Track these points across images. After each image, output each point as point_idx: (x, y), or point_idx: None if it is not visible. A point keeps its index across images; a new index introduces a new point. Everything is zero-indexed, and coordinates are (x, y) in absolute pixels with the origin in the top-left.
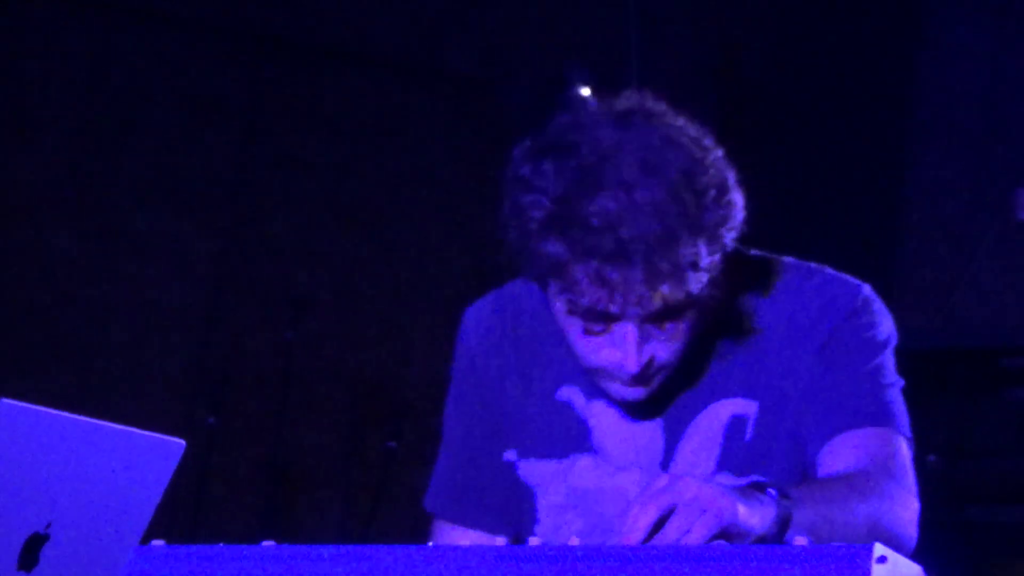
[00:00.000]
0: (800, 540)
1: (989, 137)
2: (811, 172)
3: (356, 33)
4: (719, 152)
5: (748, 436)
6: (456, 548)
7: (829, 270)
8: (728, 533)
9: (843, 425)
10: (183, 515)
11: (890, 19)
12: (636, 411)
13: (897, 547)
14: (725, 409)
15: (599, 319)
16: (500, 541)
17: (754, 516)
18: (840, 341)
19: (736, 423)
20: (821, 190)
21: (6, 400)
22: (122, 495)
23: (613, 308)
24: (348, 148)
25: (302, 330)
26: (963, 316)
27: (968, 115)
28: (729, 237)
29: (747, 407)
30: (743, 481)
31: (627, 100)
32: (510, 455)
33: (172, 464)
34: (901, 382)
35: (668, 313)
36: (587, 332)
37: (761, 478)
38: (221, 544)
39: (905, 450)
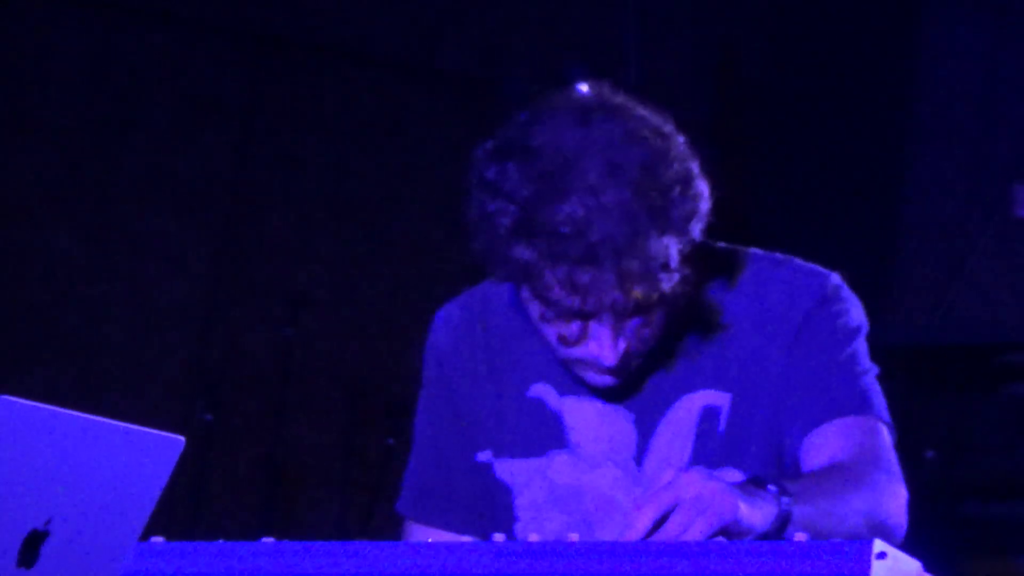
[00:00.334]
0: (800, 536)
1: (987, 134)
2: (809, 170)
3: (355, 32)
4: (681, 141)
5: (721, 428)
6: (453, 544)
7: (797, 260)
8: (729, 531)
9: (824, 415)
10: (182, 512)
11: (888, 18)
12: (609, 405)
13: (890, 536)
14: (697, 401)
15: (573, 318)
16: (497, 536)
17: (755, 514)
18: (813, 330)
19: (708, 415)
20: (819, 188)
21: (5, 397)
22: (122, 492)
23: (586, 308)
24: (347, 147)
25: (300, 328)
26: (960, 313)
27: (966, 113)
28: (697, 229)
29: (719, 399)
30: (719, 473)
31: (586, 93)
32: (484, 456)
33: (172, 461)
34: (876, 369)
35: (641, 310)
36: (560, 339)
37: (735, 470)
38: (220, 541)
39: (887, 436)
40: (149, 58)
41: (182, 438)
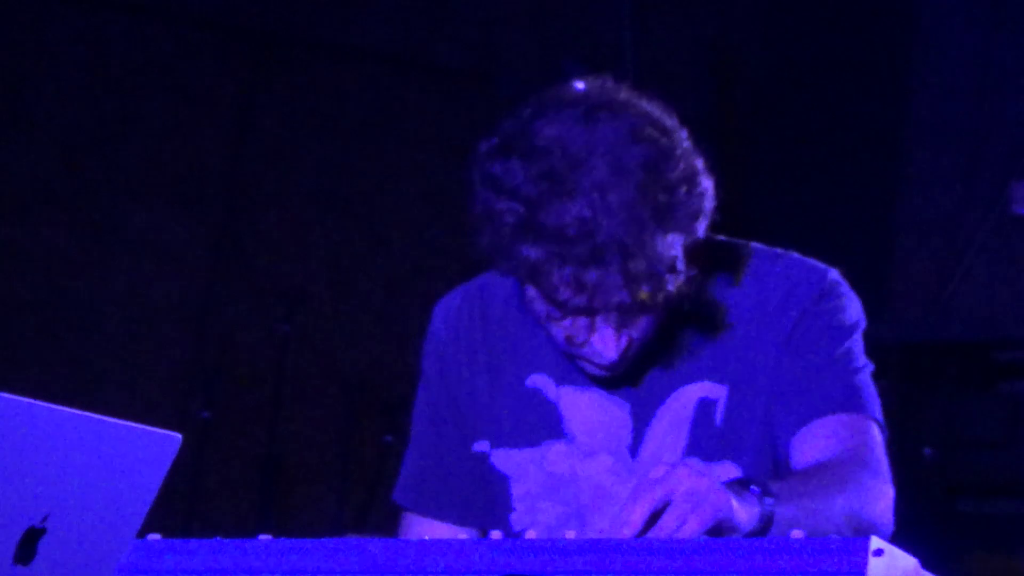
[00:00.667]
0: (797, 533)
1: (983, 131)
2: (805, 166)
3: (349, 27)
4: (684, 137)
5: (718, 421)
6: (450, 541)
7: (795, 255)
8: (720, 527)
9: (814, 412)
10: (178, 509)
11: (884, 14)
12: (606, 396)
13: (875, 535)
14: (693, 393)
15: (579, 315)
16: (465, 534)
17: (743, 512)
18: (808, 326)
19: (704, 407)
20: (815, 184)
21: (2, 394)
22: (119, 489)
23: (593, 306)
24: (342, 143)
25: (296, 324)
26: (957, 309)
27: (963, 109)
28: (702, 226)
29: (716, 391)
30: (713, 467)
31: (589, 90)
32: (481, 446)
33: (168, 458)
34: (871, 366)
35: (646, 309)
36: (568, 337)
37: (731, 463)
38: (217, 538)
39: (877, 435)
40: (144, 54)
41: (179, 435)
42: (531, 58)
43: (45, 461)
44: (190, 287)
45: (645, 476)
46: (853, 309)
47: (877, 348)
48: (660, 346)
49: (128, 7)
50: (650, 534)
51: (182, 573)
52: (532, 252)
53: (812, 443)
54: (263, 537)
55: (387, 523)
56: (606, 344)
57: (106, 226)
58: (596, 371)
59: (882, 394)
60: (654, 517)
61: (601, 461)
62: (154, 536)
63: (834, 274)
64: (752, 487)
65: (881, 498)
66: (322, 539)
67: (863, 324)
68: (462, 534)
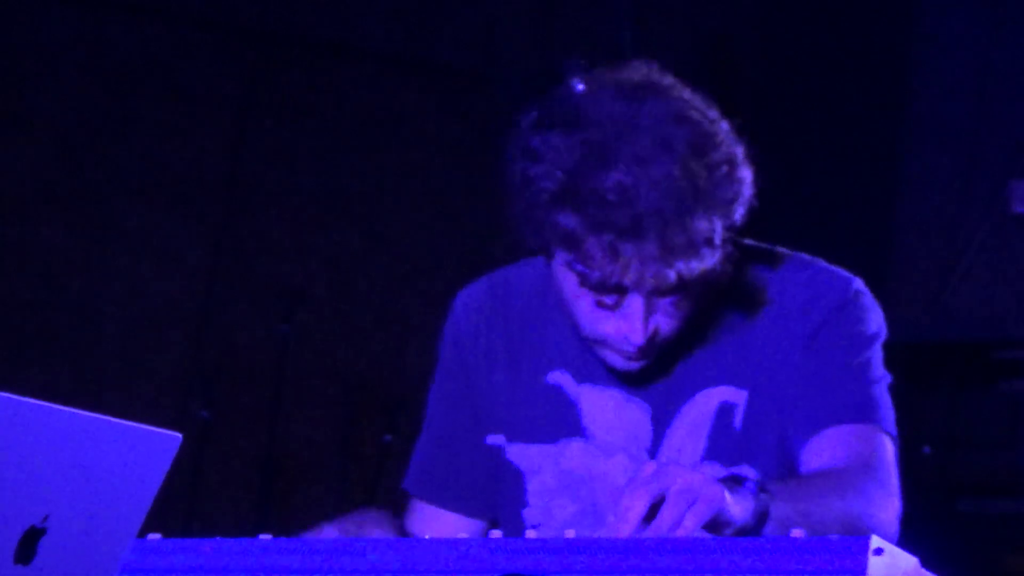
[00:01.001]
0: (797, 532)
1: (983, 130)
2: (804, 166)
3: (348, 26)
4: (726, 126)
5: (738, 425)
6: (449, 540)
7: (822, 262)
8: (715, 522)
9: (827, 420)
10: (178, 509)
11: (883, 12)
12: (627, 396)
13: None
14: (714, 397)
15: (609, 291)
16: (476, 525)
17: (737, 507)
18: (828, 334)
19: (724, 411)
20: (814, 183)
21: (2, 394)
22: (119, 489)
23: (625, 281)
24: (342, 142)
25: (296, 324)
26: (956, 309)
27: (962, 108)
28: (739, 213)
29: (736, 395)
30: (731, 471)
31: (635, 72)
32: (496, 439)
33: (168, 458)
34: (888, 377)
35: (679, 287)
36: (598, 304)
37: (749, 467)
38: (217, 537)
39: (889, 448)
40: (144, 54)
41: (179, 435)
42: (531, 58)
43: (45, 461)
44: (190, 287)
45: (639, 472)
46: (875, 320)
47: None
48: (684, 347)
49: (128, 7)
50: (647, 531)
51: (182, 573)
52: (569, 219)
53: (822, 451)
54: (263, 537)
55: None
56: (633, 327)
57: (106, 226)
58: (619, 361)
59: None
60: (651, 514)
61: (619, 461)
62: (154, 536)
63: (858, 283)
64: (747, 483)
65: (885, 509)
66: (322, 539)
67: (884, 335)
68: (470, 525)
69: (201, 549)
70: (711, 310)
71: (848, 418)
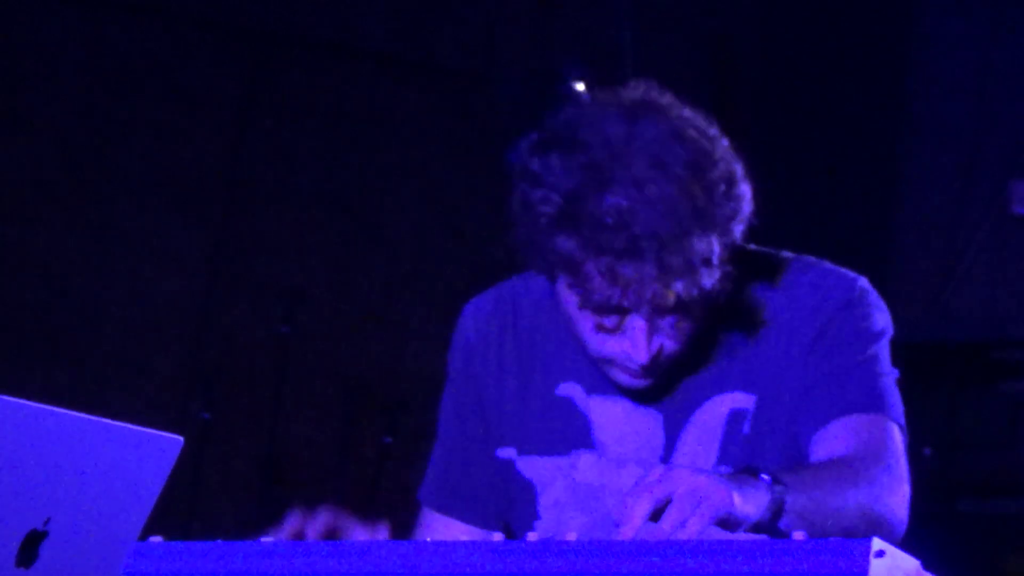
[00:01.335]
0: (799, 535)
1: (983, 130)
2: (804, 166)
3: (348, 27)
4: (725, 143)
5: (746, 430)
6: (451, 543)
7: (827, 263)
8: (724, 522)
9: (835, 412)
10: (178, 511)
11: (883, 12)
12: (637, 406)
13: (888, 532)
14: (725, 403)
15: (610, 313)
16: (496, 536)
17: (749, 504)
18: (834, 331)
19: (736, 417)
20: (814, 184)
21: (3, 397)
22: (120, 491)
23: (625, 303)
24: (341, 142)
25: (297, 325)
26: (956, 309)
27: (962, 108)
28: (738, 230)
29: (746, 401)
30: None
31: (633, 92)
32: (507, 452)
33: (170, 460)
34: (896, 373)
35: (679, 308)
36: (598, 327)
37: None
38: (219, 540)
39: (897, 436)
40: (144, 54)
41: (180, 438)
42: (531, 58)
43: (47, 464)
44: (190, 288)
45: (643, 477)
46: (881, 317)
47: None
48: (692, 356)
49: (127, 7)
50: (650, 533)
51: None
52: (567, 243)
53: (831, 441)
54: (265, 539)
55: (388, 524)
56: (637, 346)
57: (106, 226)
58: (627, 379)
59: None
60: (655, 517)
61: (630, 472)
62: (156, 538)
63: (863, 282)
64: (762, 475)
65: (895, 494)
66: (323, 541)
67: (890, 332)
68: (481, 536)
69: (203, 552)
70: (718, 317)
71: (856, 409)
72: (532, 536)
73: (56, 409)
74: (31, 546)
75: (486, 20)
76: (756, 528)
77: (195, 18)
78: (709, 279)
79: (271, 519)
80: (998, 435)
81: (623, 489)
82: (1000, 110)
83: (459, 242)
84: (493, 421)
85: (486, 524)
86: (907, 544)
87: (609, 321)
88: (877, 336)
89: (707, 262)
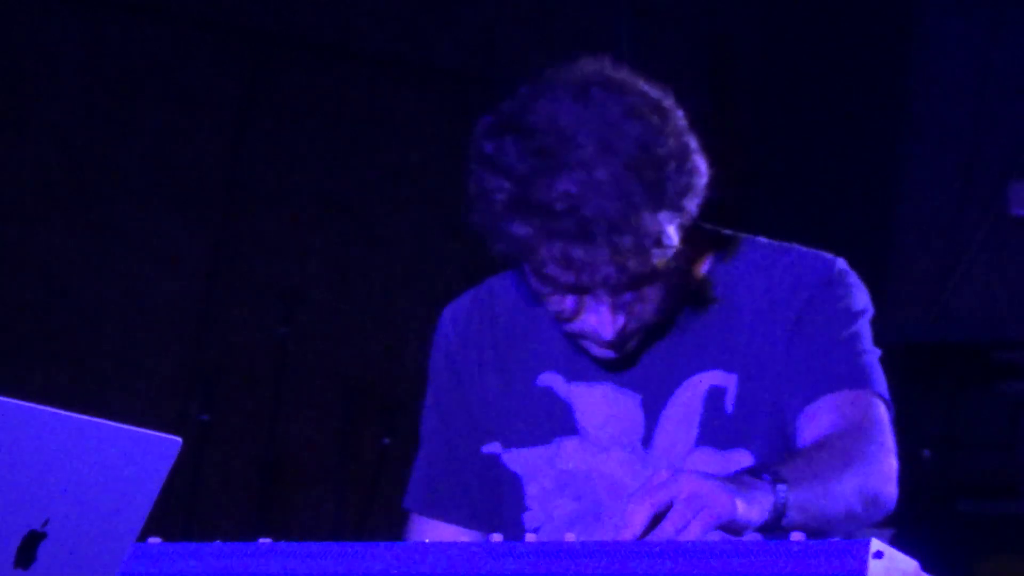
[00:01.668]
0: (797, 536)
1: (982, 131)
2: (803, 167)
3: (348, 28)
4: (680, 116)
5: (729, 409)
6: (449, 544)
7: (802, 247)
8: (726, 528)
9: (820, 390)
10: (177, 512)
11: (883, 12)
12: (617, 389)
13: (882, 507)
14: (703, 382)
15: (571, 292)
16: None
17: (752, 509)
18: (815, 311)
19: (714, 395)
20: (813, 184)
21: (1, 398)
22: (118, 493)
23: (581, 283)
24: (340, 143)
25: (295, 326)
26: (956, 310)
27: (961, 109)
28: (693, 204)
29: (725, 379)
30: (726, 455)
31: (586, 69)
32: (492, 448)
33: (168, 462)
34: (878, 351)
35: (637, 283)
36: (557, 313)
37: (744, 451)
38: (218, 541)
39: (883, 410)
40: (144, 54)
41: (179, 439)
42: (531, 59)
43: (45, 465)
44: (189, 289)
45: (649, 480)
46: (860, 296)
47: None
48: (669, 335)
49: (127, 7)
50: (651, 538)
51: None
52: (521, 229)
53: (817, 419)
54: (263, 540)
55: (387, 525)
56: (602, 323)
57: (106, 227)
58: (600, 352)
59: None
60: (656, 521)
61: (613, 455)
62: (154, 540)
63: (842, 263)
64: (764, 475)
65: (885, 469)
66: (321, 542)
67: (871, 311)
68: (467, 536)
69: (202, 553)
70: (695, 296)
71: (842, 385)
72: (530, 537)
73: (55, 410)
74: (29, 547)
75: (486, 21)
76: (760, 530)
77: (195, 18)
78: (661, 256)
79: (270, 520)
80: (998, 435)
81: (608, 474)
82: (1000, 110)
83: (458, 243)
84: (477, 418)
85: (474, 525)
86: (907, 544)
87: (571, 302)
88: (858, 315)
89: (658, 241)
